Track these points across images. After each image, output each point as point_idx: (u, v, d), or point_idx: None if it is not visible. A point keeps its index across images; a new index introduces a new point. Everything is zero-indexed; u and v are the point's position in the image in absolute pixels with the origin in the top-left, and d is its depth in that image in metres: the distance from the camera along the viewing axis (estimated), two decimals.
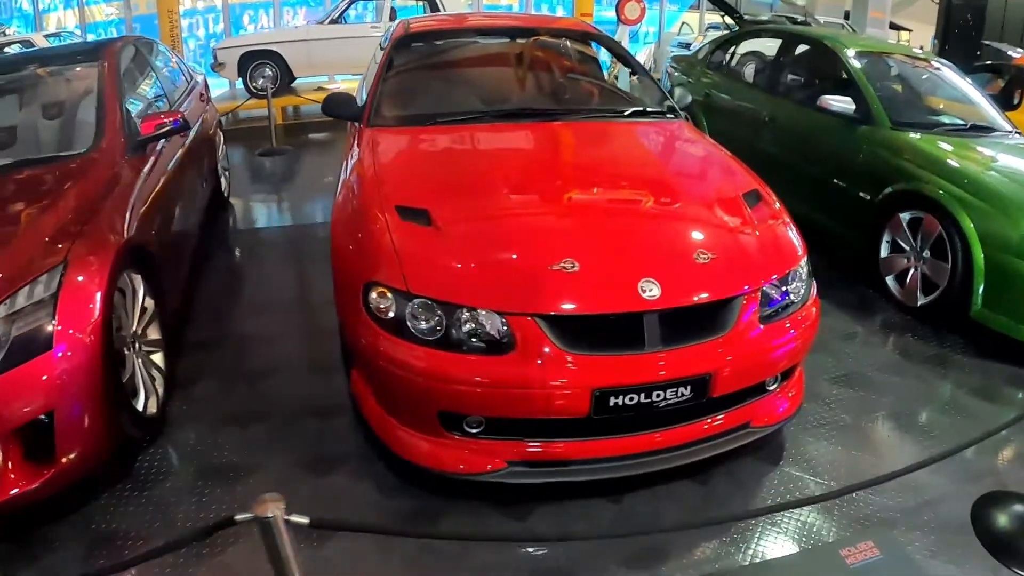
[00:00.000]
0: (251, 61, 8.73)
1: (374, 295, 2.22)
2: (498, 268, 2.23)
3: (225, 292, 4.16)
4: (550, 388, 2.06)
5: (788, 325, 2.39)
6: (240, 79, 8.87)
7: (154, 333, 2.79)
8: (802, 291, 2.48)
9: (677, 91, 3.98)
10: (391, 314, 2.17)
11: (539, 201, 2.71)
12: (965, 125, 4.41)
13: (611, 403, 2.09)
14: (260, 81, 8.70)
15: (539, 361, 2.07)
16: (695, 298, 2.22)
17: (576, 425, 2.16)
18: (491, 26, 4.61)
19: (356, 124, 3.40)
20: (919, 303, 3.91)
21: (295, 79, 9.07)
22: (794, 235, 2.66)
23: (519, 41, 4.22)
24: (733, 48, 6.00)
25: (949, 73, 4.95)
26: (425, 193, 2.60)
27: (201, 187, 4.43)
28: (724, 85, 5.81)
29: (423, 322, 2.15)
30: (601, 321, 2.14)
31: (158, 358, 2.82)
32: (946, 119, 4.56)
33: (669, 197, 2.78)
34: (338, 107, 3.39)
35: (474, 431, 2.21)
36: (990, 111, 4.69)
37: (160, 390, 2.76)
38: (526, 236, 2.39)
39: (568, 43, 4.37)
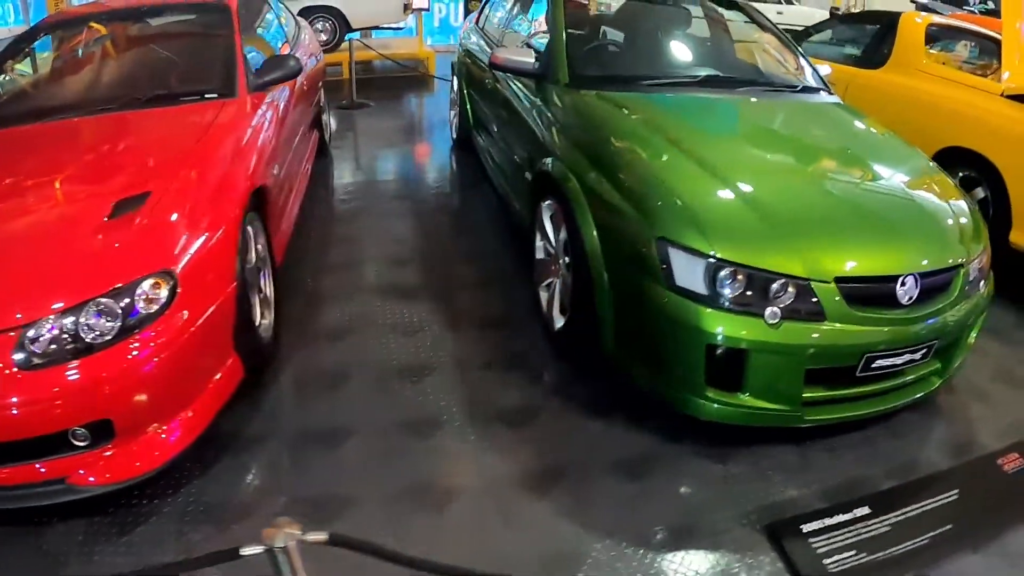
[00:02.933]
0: None
1: None
2: None
3: None
4: None
5: (62, 368, 1.85)
6: None
7: None
8: (114, 326, 1.91)
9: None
10: None
11: None
12: (695, 78, 3.09)
13: None
14: None
15: None
16: None
17: None
18: (127, 9, 3.83)
19: None
20: (556, 327, 2.71)
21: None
22: (162, 243, 2.07)
23: (153, 23, 3.64)
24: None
25: (736, 20, 3.63)
26: None
27: None
28: (477, 47, 4.62)
29: None
30: None
31: None
32: (699, 72, 3.25)
33: (29, 216, 2.29)
34: None
35: None
36: (781, 64, 3.35)
37: None
38: None
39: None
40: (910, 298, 2.21)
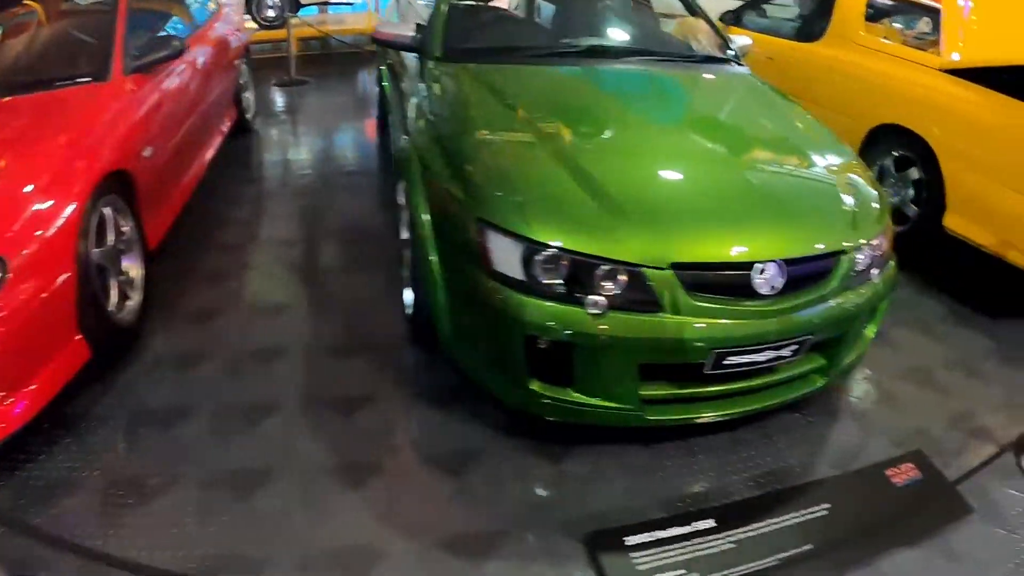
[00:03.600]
0: None
1: None
2: None
3: None
4: None
5: None
6: None
7: None
8: None
9: None
10: None
11: None
12: (578, 48, 2.84)
13: None
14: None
15: None
16: None
17: None
18: None
19: None
20: (407, 311, 2.54)
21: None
22: None
23: (44, 8, 3.49)
24: None
25: None
26: None
27: None
28: None
29: None
30: None
31: None
32: (586, 41, 2.99)
33: None
34: None
35: None
36: (686, 34, 3.10)
37: None
38: None
39: None
40: (773, 288, 1.97)
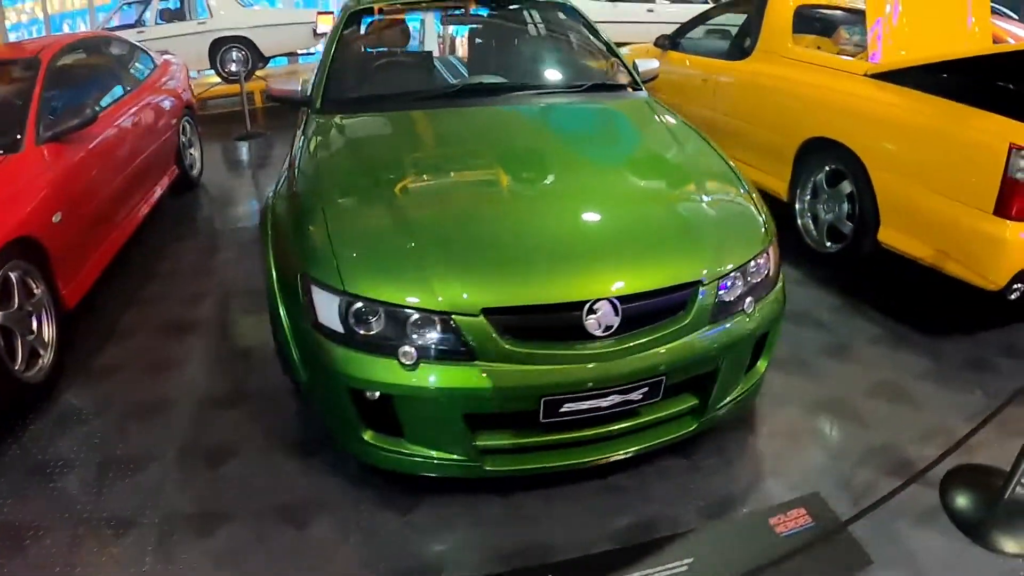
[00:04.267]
0: None
1: None
2: None
3: None
4: None
5: None
6: None
7: None
8: None
9: None
10: None
11: None
12: (452, 89, 2.79)
13: None
14: None
15: None
16: None
17: None
18: None
19: None
20: None
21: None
22: None
23: None
24: None
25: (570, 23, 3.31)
26: None
27: None
28: None
29: None
30: None
31: None
32: (465, 82, 2.94)
33: None
34: None
35: None
36: (579, 63, 3.03)
37: None
38: None
39: None
40: (608, 328, 1.85)
